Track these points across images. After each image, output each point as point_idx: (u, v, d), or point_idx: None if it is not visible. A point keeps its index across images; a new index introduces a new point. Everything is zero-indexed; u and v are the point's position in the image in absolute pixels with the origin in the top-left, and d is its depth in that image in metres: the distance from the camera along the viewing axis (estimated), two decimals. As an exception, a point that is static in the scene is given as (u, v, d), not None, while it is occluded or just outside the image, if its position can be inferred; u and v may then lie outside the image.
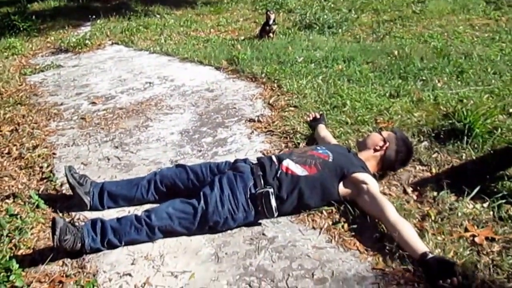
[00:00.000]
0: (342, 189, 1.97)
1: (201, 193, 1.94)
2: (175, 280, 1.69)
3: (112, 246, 1.86)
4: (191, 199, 1.95)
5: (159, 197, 2.13)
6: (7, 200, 2.29)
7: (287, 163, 2.02)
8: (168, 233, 1.90)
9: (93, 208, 2.12)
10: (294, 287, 1.61)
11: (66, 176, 2.14)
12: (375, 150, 2.12)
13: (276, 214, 1.92)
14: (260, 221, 1.95)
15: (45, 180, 2.47)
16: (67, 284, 1.69)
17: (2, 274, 1.64)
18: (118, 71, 4.42)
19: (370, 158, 2.12)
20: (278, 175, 1.98)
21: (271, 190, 1.91)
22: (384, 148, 2.09)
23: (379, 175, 2.15)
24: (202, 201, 1.90)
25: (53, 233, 1.71)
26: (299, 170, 1.98)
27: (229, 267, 1.73)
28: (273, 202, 1.90)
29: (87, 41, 5.51)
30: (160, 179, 2.15)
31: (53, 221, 1.73)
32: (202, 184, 2.07)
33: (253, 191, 1.93)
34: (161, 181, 2.15)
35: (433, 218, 1.88)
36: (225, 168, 2.14)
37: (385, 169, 2.16)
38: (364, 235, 1.82)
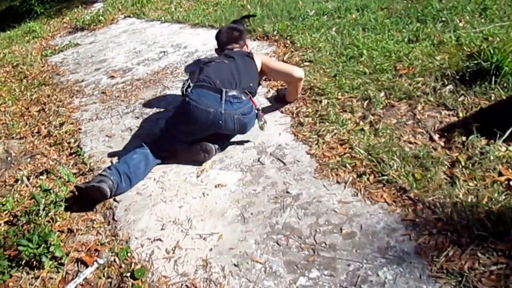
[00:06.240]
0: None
1: None
2: (204, 242, 1.63)
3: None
4: None
5: None
6: (41, 177, 2.28)
7: None
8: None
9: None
10: (323, 242, 1.52)
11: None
12: None
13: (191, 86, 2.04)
14: (284, 180, 1.85)
15: (73, 155, 2.43)
16: (103, 251, 1.67)
17: (42, 246, 1.65)
18: (132, 44, 4.26)
19: None
20: None
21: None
22: None
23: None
24: None
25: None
26: None
27: (256, 226, 1.65)
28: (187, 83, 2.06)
29: (100, 17, 5.34)
30: None
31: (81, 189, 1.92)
32: None
33: None
34: None
35: (463, 164, 1.72)
36: None
37: None
38: (391, 186, 1.69)
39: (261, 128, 2.12)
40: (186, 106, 2.01)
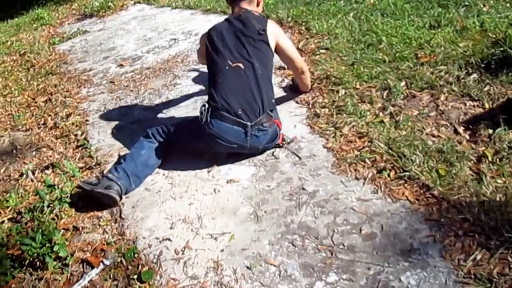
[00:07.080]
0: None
1: None
2: (215, 242, 1.56)
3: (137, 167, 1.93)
4: None
5: None
6: (46, 171, 2.23)
7: None
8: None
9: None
10: (341, 244, 1.43)
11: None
12: None
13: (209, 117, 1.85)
14: (300, 176, 1.76)
15: (80, 148, 2.37)
16: (109, 252, 1.61)
17: (46, 245, 1.58)
18: (142, 31, 4.18)
19: None
20: None
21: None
22: None
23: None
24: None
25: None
26: None
27: (270, 225, 1.58)
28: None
29: (110, 4, 5.27)
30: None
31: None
32: None
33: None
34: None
35: (490, 158, 1.61)
36: None
37: None
38: (413, 183, 1.59)
39: (279, 146, 1.98)
40: (206, 137, 1.86)
